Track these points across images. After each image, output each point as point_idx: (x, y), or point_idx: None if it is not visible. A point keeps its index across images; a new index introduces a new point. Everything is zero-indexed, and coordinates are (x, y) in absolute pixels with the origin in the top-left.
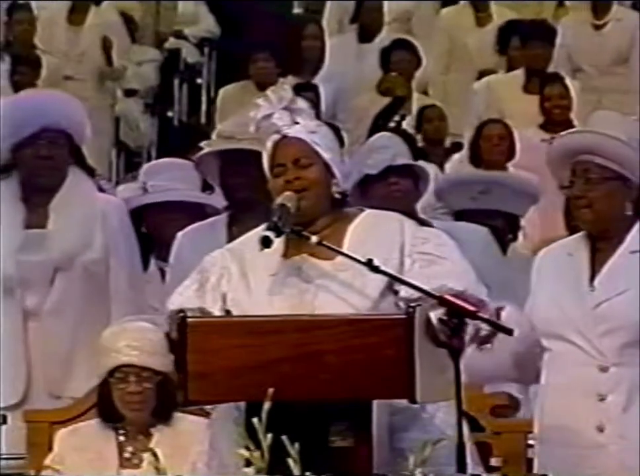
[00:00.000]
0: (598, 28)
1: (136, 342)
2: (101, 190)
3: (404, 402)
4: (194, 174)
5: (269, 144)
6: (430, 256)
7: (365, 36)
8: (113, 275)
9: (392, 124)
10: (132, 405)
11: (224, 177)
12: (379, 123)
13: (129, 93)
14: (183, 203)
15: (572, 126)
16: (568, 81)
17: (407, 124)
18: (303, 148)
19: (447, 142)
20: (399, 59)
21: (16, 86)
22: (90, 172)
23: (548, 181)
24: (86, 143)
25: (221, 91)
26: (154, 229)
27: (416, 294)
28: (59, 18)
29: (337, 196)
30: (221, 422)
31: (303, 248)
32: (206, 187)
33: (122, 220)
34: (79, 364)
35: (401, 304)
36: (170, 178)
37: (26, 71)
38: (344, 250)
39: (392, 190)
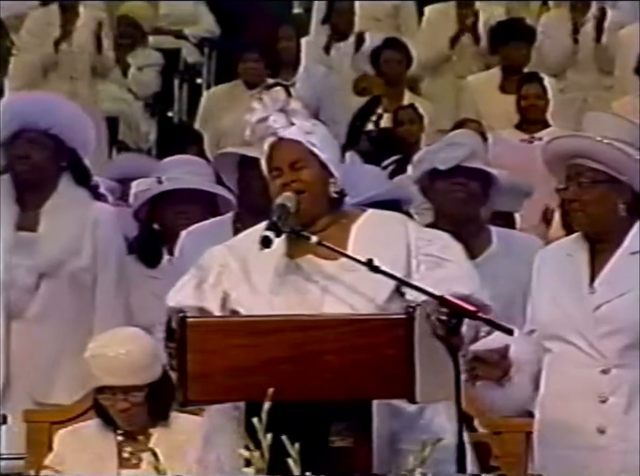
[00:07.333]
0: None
1: (117, 363)
2: (98, 196)
3: (402, 408)
4: (208, 170)
5: (265, 147)
6: (434, 258)
7: (337, 36)
8: (99, 285)
9: (370, 124)
10: (122, 420)
11: (243, 178)
12: (357, 124)
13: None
14: (194, 195)
15: (548, 126)
16: (546, 81)
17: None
18: (299, 150)
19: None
20: (388, 59)
21: None
22: (85, 177)
23: (533, 181)
24: (88, 146)
25: (206, 93)
26: (166, 223)
27: (422, 296)
28: (53, 18)
29: (334, 195)
30: (217, 417)
31: (308, 248)
32: (220, 184)
33: (114, 230)
34: (63, 372)
35: None
36: (184, 172)
37: None
38: (349, 249)
39: (455, 189)
